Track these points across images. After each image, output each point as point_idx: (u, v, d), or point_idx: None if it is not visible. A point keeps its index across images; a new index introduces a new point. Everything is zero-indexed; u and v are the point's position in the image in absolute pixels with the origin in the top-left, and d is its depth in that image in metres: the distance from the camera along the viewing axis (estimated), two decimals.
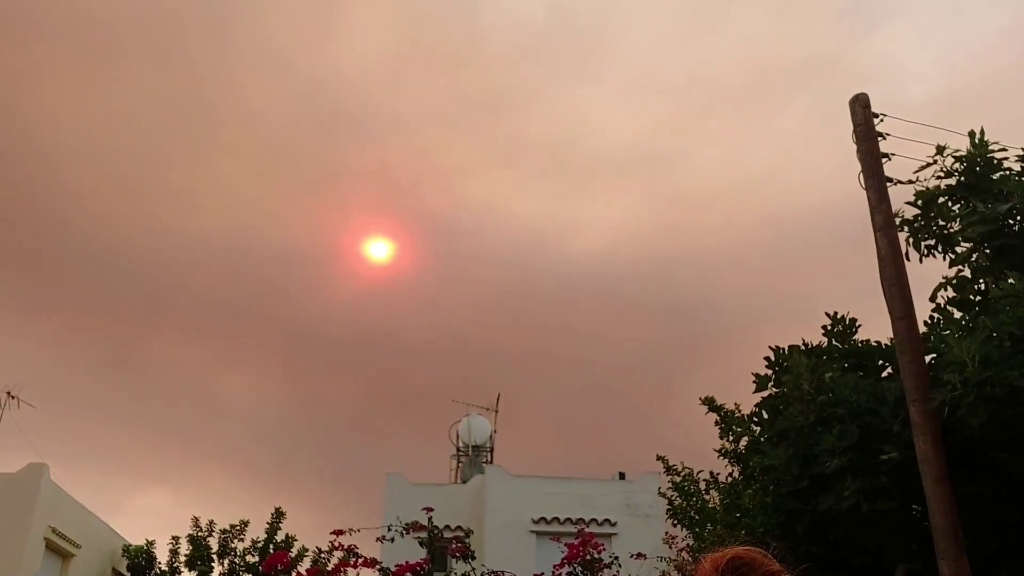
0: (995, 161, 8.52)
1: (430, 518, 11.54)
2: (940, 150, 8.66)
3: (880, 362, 9.50)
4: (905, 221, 8.87)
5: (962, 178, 8.61)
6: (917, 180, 8.81)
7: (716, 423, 9.70)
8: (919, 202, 8.75)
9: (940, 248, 8.92)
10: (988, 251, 8.55)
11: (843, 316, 9.56)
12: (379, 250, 33.21)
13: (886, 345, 9.38)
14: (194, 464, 35.83)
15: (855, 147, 9.01)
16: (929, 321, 8.90)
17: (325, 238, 35.00)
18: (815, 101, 30.34)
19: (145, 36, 29.39)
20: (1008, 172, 8.47)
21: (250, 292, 33.44)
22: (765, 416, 8.94)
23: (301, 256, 34.12)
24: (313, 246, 34.61)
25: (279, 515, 23.49)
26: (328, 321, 33.80)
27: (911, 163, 9.11)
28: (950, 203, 8.76)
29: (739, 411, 9.68)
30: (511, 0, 31.11)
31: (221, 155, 32.67)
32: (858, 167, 8.89)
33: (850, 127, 8.99)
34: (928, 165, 8.74)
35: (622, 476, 22.31)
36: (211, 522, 23.27)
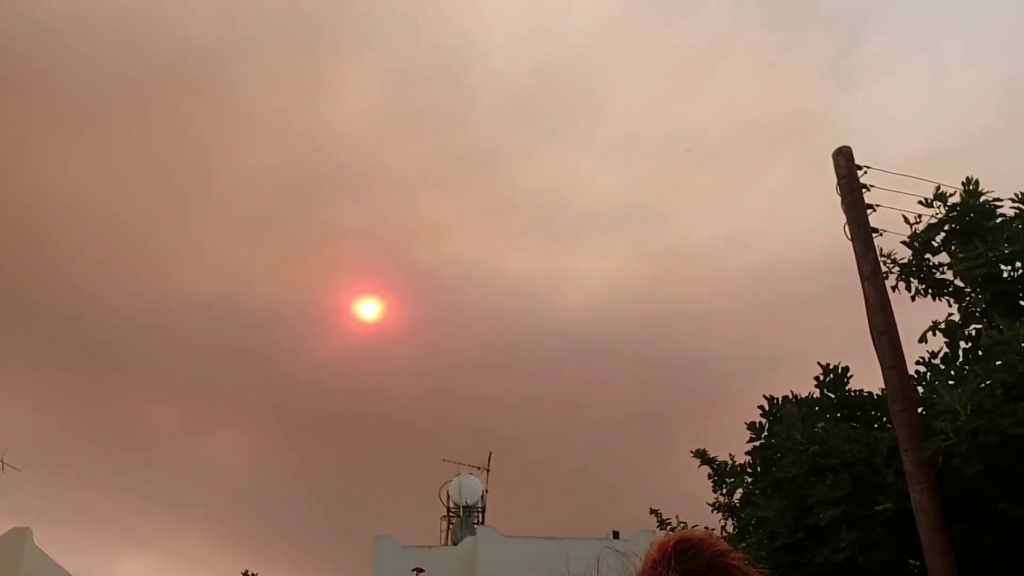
0: (989, 207, 8.61)
1: None
2: (936, 196, 8.76)
3: (872, 412, 9.47)
4: (897, 263, 8.94)
5: (956, 225, 8.69)
6: (917, 220, 8.90)
7: (708, 476, 9.59)
8: (914, 243, 8.82)
9: (930, 291, 8.97)
10: (982, 295, 8.59)
11: (835, 366, 9.57)
12: (368, 308, 33.14)
13: (877, 395, 9.36)
14: (177, 527, 35.12)
15: (840, 199, 9.09)
16: (919, 370, 8.88)
17: (314, 297, 34.96)
18: (799, 157, 30.73)
19: (136, 98, 29.69)
20: (1004, 218, 8.56)
21: (238, 352, 33.23)
22: (758, 467, 8.85)
23: (290, 315, 34.04)
24: (302, 305, 34.53)
25: None
26: (316, 380, 33.56)
27: (895, 214, 9.20)
28: (943, 248, 8.85)
29: (732, 462, 9.59)
30: (499, 60, 31.64)
31: (210, 216, 32.80)
32: (843, 219, 8.97)
33: (834, 181, 9.08)
34: (929, 205, 8.82)
35: (615, 535, 21.96)
36: None
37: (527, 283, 34.41)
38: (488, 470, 24.67)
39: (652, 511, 9.97)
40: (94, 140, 29.81)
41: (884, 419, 9.12)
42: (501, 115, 32.64)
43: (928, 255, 9.11)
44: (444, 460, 24.57)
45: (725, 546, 0.96)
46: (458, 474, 24.28)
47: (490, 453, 24.82)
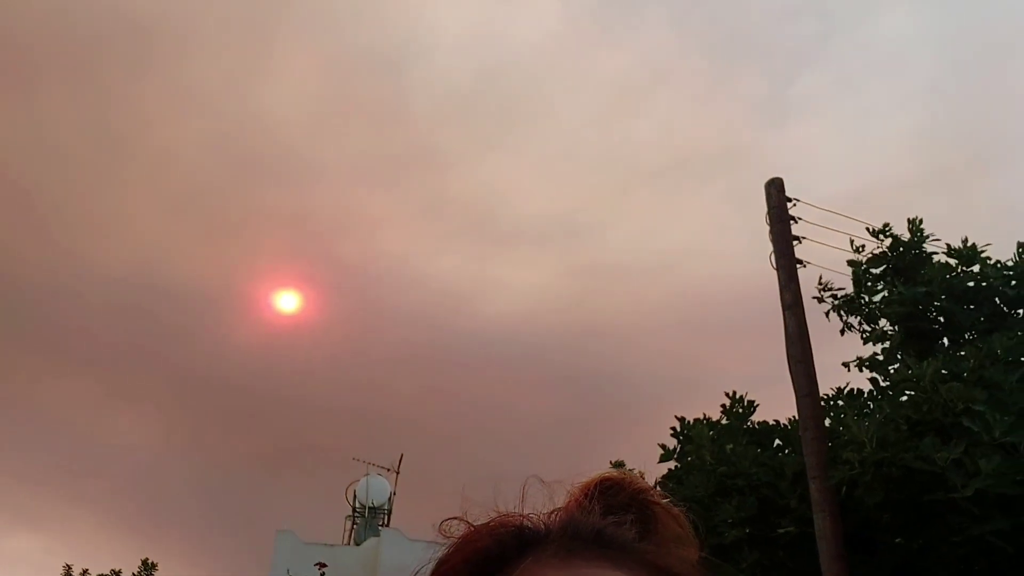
0: (925, 252, 8.96)
1: (322, 574, 11.07)
2: (880, 230, 9.06)
3: (777, 442, 9.70)
4: (835, 294, 9.22)
5: (894, 263, 9.02)
6: (860, 250, 9.18)
7: None
8: (856, 272, 9.09)
9: (861, 324, 9.28)
10: (899, 333, 8.89)
11: (741, 396, 9.79)
12: (288, 298, 32.47)
13: (784, 425, 9.58)
14: (73, 507, 33.84)
15: (767, 229, 9.30)
16: (828, 401, 9.13)
17: (233, 281, 34.14)
18: (729, 187, 31.42)
19: (67, 64, 28.66)
20: (935, 263, 8.90)
21: (149, 331, 32.26)
22: (670, 486, 8.96)
23: (205, 297, 33.15)
24: (220, 289, 33.68)
25: (149, 567, 22.31)
26: (227, 367, 32.77)
27: (819, 247, 9.48)
28: (877, 283, 9.16)
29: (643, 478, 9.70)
30: (441, 61, 31.54)
31: (133, 190, 31.79)
32: (768, 250, 9.19)
33: (761, 215, 9.32)
34: (876, 236, 9.11)
35: None
36: (85, 571, 22.00)
37: (454, 286, 34.28)
38: (398, 472, 24.43)
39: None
40: (16, 102, 28.64)
41: (787, 448, 9.35)
42: (441, 115, 32.54)
43: (864, 292, 9.41)
44: (354, 459, 24.24)
45: (646, 484, 0.98)
46: (367, 474, 23.98)
47: (401, 455, 24.60)
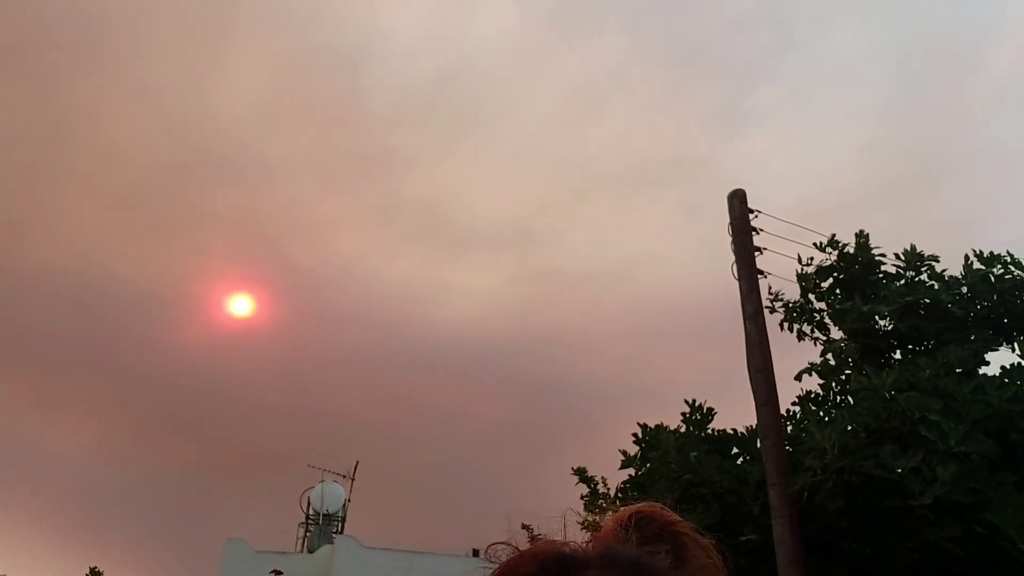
0: (874, 261, 9.14)
1: None
2: (829, 243, 9.23)
3: (735, 450, 9.84)
4: (786, 303, 9.37)
5: (842, 275, 9.19)
6: (809, 262, 9.35)
7: (582, 497, 9.72)
8: (802, 283, 9.25)
9: (813, 332, 9.45)
10: (854, 345, 9.08)
11: (700, 404, 9.92)
12: (236, 300, 31.95)
13: (742, 434, 9.73)
14: (5, 515, 32.82)
15: (728, 239, 9.44)
16: (789, 409, 9.30)
17: (178, 283, 33.52)
18: (683, 196, 31.83)
19: (11, 52, 27.89)
20: (883, 277, 9.08)
21: (90, 333, 31.50)
22: (632, 492, 9.03)
23: (150, 298, 32.46)
24: (164, 288, 33.01)
25: None
26: (173, 369, 32.13)
27: (777, 257, 9.65)
28: (827, 295, 9.33)
29: (605, 486, 9.76)
30: (398, 63, 31.45)
31: (74, 186, 31.05)
32: (726, 260, 9.33)
33: (716, 224, 9.49)
34: (822, 249, 9.28)
35: (475, 553, 21.94)
36: None
37: (406, 290, 34.13)
38: (353, 479, 24.22)
39: (524, 526, 10.01)
40: None
41: (746, 456, 9.49)
42: (395, 117, 32.41)
43: (812, 299, 9.59)
44: (309, 466, 23.97)
45: (676, 517, 1.08)
46: (322, 481, 23.72)
47: (356, 462, 24.39)
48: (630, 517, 1.06)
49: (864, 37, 29.47)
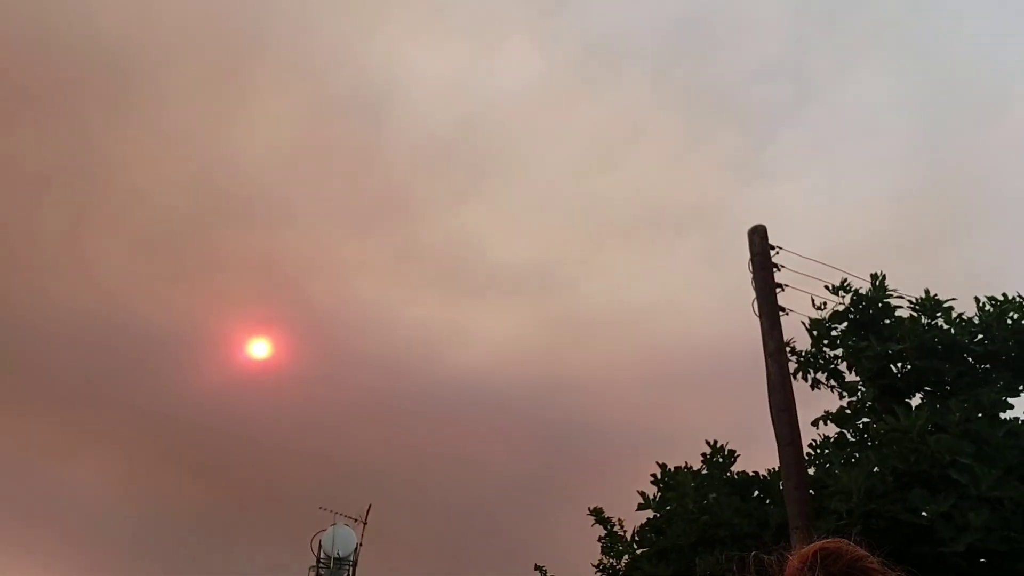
0: (889, 306, 8.89)
1: None
2: (841, 286, 8.98)
3: (757, 492, 9.52)
4: (795, 351, 9.08)
5: (856, 316, 8.92)
6: (822, 307, 9.11)
7: (600, 539, 9.41)
8: (813, 332, 8.97)
9: (827, 380, 9.14)
10: (871, 389, 8.79)
11: (722, 446, 9.63)
12: (255, 342, 31.93)
13: (764, 476, 9.41)
14: (20, 557, 32.57)
15: (750, 276, 9.21)
16: (810, 452, 8.99)
17: (200, 325, 33.51)
18: (702, 244, 31.61)
19: (40, 98, 28.40)
20: (900, 318, 8.84)
21: (111, 374, 31.47)
22: (649, 534, 8.72)
23: (172, 339, 32.44)
24: (185, 330, 33.00)
25: None
26: (191, 409, 31.96)
27: (800, 295, 9.41)
28: (842, 339, 9.05)
29: (622, 528, 9.44)
30: (420, 109, 31.64)
31: (100, 229, 31.31)
32: (745, 307, 9.07)
33: (734, 272, 9.27)
34: (835, 292, 9.04)
35: None
36: None
37: (425, 334, 33.94)
38: (365, 523, 23.81)
39: (537, 567, 9.77)
40: None
41: (767, 499, 9.17)
42: (417, 162, 32.55)
43: (825, 346, 9.33)
44: (321, 508, 23.58)
45: (863, 552, 1.10)
46: (334, 524, 23.35)
47: (369, 506, 23.99)
48: (815, 554, 1.07)
49: (886, 85, 29.40)
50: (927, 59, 29.27)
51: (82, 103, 29.11)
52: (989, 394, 7.78)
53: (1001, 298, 8.63)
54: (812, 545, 0.98)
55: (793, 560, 0.97)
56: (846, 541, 0.99)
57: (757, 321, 8.81)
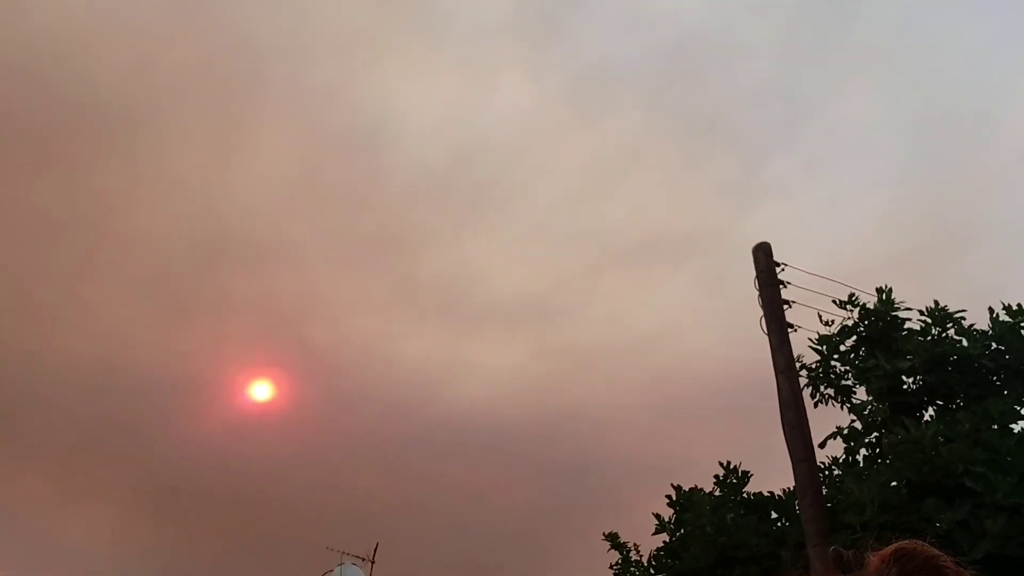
0: (898, 320, 8.94)
1: None
2: (849, 301, 9.03)
3: (772, 513, 9.51)
4: (806, 366, 9.11)
5: (865, 331, 8.96)
6: (830, 323, 9.14)
7: (612, 566, 9.37)
8: (823, 348, 9.00)
9: (837, 396, 9.15)
10: (882, 407, 8.81)
11: (735, 466, 9.62)
12: (256, 384, 31.86)
13: (779, 496, 9.42)
14: None
15: (756, 294, 9.28)
16: (824, 467, 8.99)
17: (199, 368, 33.42)
18: (701, 269, 31.72)
19: (35, 145, 28.58)
20: (908, 331, 8.87)
21: (112, 421, 31.35)
22: (667, 561, 8.69)
23: (171, 386, 32.37)
24: (185, 376, 32.92)
25: None
26: (195, 457, 31.84)
27: (804, 312, 9.47)
28: (851, 354, 9.08)
29: (638, 553, 9.41)
30: (415, 144, 31.88)
31: (99, 276, 31.35)
32: (747, 331, 9.13)
33: (735, 296, 9.37)
34: (843, 307, 9.08)
35: None
36: None
37: (424, 370, 33.88)
38: (373, 562, 23.62)
39: None
40: None
41: (784, 519, 9.17)
42: (413, 198, 32.71)
43: (834, 362, 9.35)
44: (328, 548, 23.41)
45: (936, 551, 1.12)
46: (340, 563, 23.17)
47: (376, 544, 23.82)
48: (892, 553, 1.13)
49: (879, 105, 29.73)
50: (918, 79, 29.62)
51: (79, 147, 29.28)
52: (997, 403, 7.82)
53: (1016, 306, 8.64)
54: (890, 546, 1.07)
55: (873, 559, 1.06)
56: (921, 542, 1.09)
57: (760, 343, 8.87)
